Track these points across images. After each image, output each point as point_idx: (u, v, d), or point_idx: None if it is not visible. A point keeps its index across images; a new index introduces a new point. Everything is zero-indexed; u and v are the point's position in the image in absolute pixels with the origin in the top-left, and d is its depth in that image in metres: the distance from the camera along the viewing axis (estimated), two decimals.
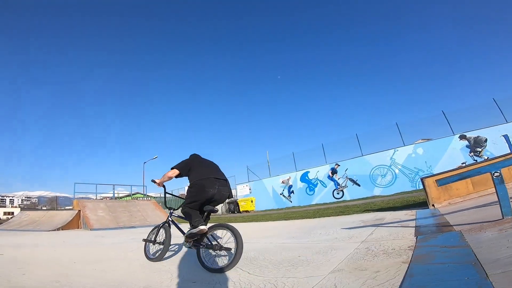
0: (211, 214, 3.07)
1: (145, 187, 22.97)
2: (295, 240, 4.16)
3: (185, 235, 2.93)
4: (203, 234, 2.79)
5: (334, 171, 19.01)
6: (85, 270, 3.05)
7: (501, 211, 2.90)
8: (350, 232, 4.15)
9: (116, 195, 19.90)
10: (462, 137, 15.31)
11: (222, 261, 2.73)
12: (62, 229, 10.97)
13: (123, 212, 14.50)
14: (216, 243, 2.72)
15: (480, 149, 14.77)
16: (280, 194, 21.56)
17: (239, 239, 2.54)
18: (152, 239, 3.53)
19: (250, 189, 23.63)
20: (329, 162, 19.49)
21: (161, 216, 14.45)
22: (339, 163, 18.91)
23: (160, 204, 17.60)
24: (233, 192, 24.47)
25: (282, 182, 21.68)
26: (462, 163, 14.90)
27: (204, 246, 2.78)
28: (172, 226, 3.52)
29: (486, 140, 14.67)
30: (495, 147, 14.11)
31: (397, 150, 16.90)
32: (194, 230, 2.73)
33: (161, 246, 3.34)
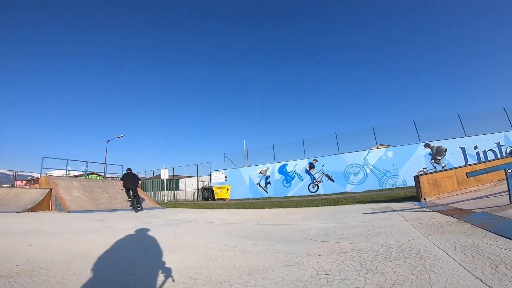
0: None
1: (105, 165, 21.21)
2: (336, 222, 4.70)
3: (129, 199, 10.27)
4: (132, 199, 10.17)
5: (311, 166, 20.19)
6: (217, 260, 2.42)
7: (510, 198, 3.79)
8: (379, 216, 4.86)
9: (67, 174, 18.33)
10: (427, 145, 17.41)
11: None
12: (32, 210, 9.61)
13: (101, 193, 13.45)
14: (134, 202, 10.11)
15: (440, 158, 16.99)
16: (257, 184, 22.21)
17: (136, 198, 10.16)
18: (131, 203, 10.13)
19: (226, 177, 23.84)
20: (308, 157, 20.63)
21: (143, 199, 14.05)
22: (317, 159, 20.13)
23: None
24: (207, 178, 24.50)
25: (260, 172, 22.33)
26: (423, 169, 17.01)
27: (133, 203, 10.08)
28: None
29: (446, 150, 16.91)
30: (452, 157, 16.39)
31: (371, 152, 18.58)
32: (129, 198, 10.21)
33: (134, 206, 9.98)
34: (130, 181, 10.26)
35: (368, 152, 18.62)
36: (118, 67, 68.57)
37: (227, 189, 21.80)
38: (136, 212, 9.39)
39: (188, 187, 24.81)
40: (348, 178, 18.92)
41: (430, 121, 18.46)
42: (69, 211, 9.47)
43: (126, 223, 5.75)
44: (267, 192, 21.60)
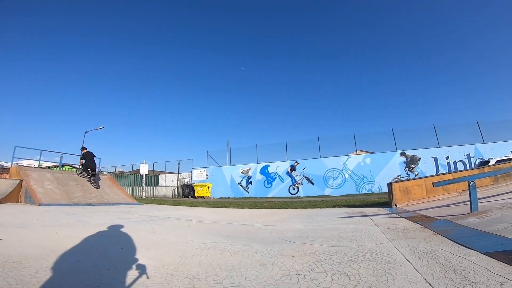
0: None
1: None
2: (312, 225, 4.89)
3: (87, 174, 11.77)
4: (91, 176, 11.61)
5: (293, 168, 20.55)
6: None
7: (471, 207, 4.14)
8: (352, 220, 5.11)
9: (40, 165, 17.58)
10: (402, 154, 18.24)
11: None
12: (1, 202, 9.01)
13: (75, 186, 12.80)
14: (91, 178, 11.59)
15: (414, 166, 17.86)
16: (238, 184, 22.28)
17: (94, 177, 11.75)
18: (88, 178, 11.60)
19: (207, 175, 23.71)
20: (290, 159, 20.97)
21: (120, 194, 13.55)
22: (298, 161, 20.51)
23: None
24: (189, 176, 24.26)
25: (242, 172, 22.42)
26: (397, 176, 17.82)
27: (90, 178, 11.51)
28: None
29: (419, 159, 17.80)
30: (425, 166, 17.28)
31: (350, 157, 19.20)
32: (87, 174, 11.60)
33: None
34: (91, 161, 11.72)
35: (348, 158, 19.23)
36: (102, 57, 66.20)
37: (208, 187, 21.70)
38: (94, 186, 11.47)
39: (168, 183, 24.43)
40: (327, 182, 19.44)
41: (407, 131, 19.36)
42: (40, 204, 8.86)
43: (101, 218, 5.63)
44: (248, 192, 21.73)
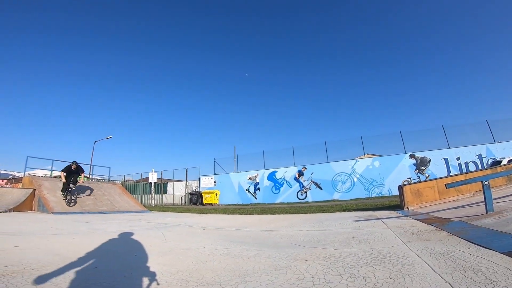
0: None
1: (91, 167, 20.88)
2: (322, 229, 4.84)
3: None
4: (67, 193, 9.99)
5: (300, 173, 20.44)
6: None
7: (486, 208, 4.05)
8: (363, 223, 5.04)
9: (52, 174, 17.96)
10: (412, 156, 17.97)
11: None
12: (14, 211, 9.32)
13: (86, 194, 13.29)
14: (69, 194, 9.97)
15: (424, 168, 17.56)
16: (246, 190, 22.25)
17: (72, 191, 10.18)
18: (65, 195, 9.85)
19: (215, 182, 23.77)
20: (297, 164, 20.89)
21: (129, 202, 13.78)
22: (306, 167, 20.41)
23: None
24: (196, 183, 24.34)
25: (249, 178, 22.40)
26: (408, 178, 17.53)
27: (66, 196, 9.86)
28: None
29: (429, 161, 17.51)
30: (436, 168, 16.98)
31: (358, 161, 19.01)
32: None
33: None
34: (71, 176, 10.30)
35: (356, 161, 19.04)
36: (108, 68, 67.75)
37: (216, 194, 21.72)
38: (68, 205, 9.78)
39: (177, 191, 24.56)
40: (336, 186, 19.25)
41: (416, 133, 19.16)
42: (53, 212, 9.15)
43: (113, 226, 5.71)
44: (256, 198, 21.66)
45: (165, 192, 25.03)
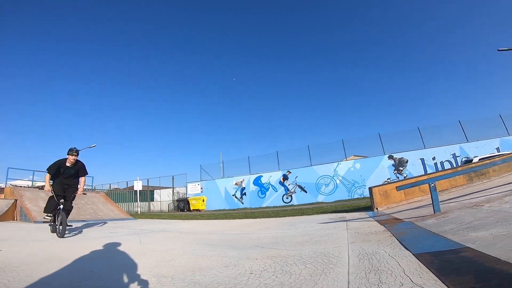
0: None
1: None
2: (291, 231, 5.19)
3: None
4: (55, 214, 5.38)
5: (285, 177, 20.88)
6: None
7: (433, 208, 4.50)
8: (329, 225, 5.43)
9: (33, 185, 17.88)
10: (390, 157, 18.74)
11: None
12: None
13: None
14: (58, 218, 5.15)
15: (402, 168, 18.33)
16: (233, 195, 22.49)
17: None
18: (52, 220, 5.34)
19: (201, 188, 23.91)
20: (282, 168, 21.36)
21: (113, 210, 13.82)
22: (290, 171, 20.88)
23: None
24: (183, 190, 24.42)
25: (236, 184, 22.67)
26: (387, 179, 18.24)
27: (55, 220, 5.28)
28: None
29: (407, 161, 18.30)
30: (413, 168, 17.76)
31: (340, 164, 19.63)
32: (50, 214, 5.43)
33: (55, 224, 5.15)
34: (66, 182, 5.38)
35: (338, 164, 19.66)
36: (94, 73, 66.78)
37: (203, 200, 21.87)
38: (59, 236, 4.81)
39: (164, 198, 24.54)
40: (319, 189, 19.79)
41: (394, 134, 19.95)
42: (35, 221, 9.27)
43: (93, 232, 5.93)
44: (242, 203, 21.93)
45: (152, 199, 24.96)
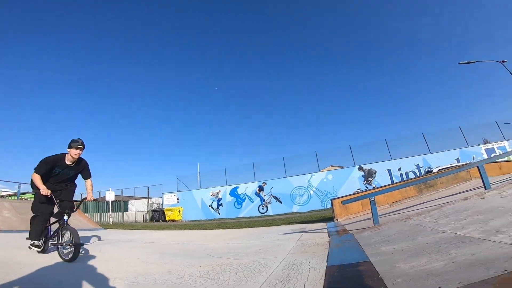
0: None
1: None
2: (250, 242, 5.55)
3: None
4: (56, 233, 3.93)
5: (261, 188, 21.29)
6: None
7: (373, 221, 5.06)
8: (287, 236, 5.86)
9: None
10: (360, 168, 19.72)
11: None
12: None
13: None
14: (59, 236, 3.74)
15: (371, 179, 19.32)
16: (209, 206, 22.53)
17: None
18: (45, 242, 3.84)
19: (178, 199, 23.76)
20: (258, 180, 21.77)
21: (82, 220, 13.48)
22: (266, 182, 21.33)
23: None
24: (159, 200, 24.14)
25: (212, 194, 22.77)
26: (357, 189, 19.12)
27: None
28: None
29: (375, 172, 19.33)
30: (381, 178, 18.79)
31: (314, 175, 20.36)
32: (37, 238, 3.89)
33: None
34: (59, 188, 4.01)
35: (312, 175, 20.38)
36: (68, 80, 64.67)
37: (179, 211, 21.73)
38: (67, 260, 3.45)
39: (139, 208, 24.11)
40: (294, 199, 20.34)
41: (363, 146, 21.06)
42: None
43: None
44: (219, 214, 22.01)
45: (126, 210, 24.41)
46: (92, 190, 4.15)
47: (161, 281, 2.44)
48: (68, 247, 3.48)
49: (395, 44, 60.94)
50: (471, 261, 1.84)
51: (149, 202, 23.50)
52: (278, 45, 70.30)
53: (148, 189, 23.48)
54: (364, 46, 63.73)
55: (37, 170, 3.65)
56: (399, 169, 19.08)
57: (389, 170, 19.17)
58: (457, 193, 6.20)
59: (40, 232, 3.75)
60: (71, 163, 3.83)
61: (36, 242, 3.77)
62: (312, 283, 2.20)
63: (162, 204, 23.49)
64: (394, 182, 18.31)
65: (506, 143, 18.74)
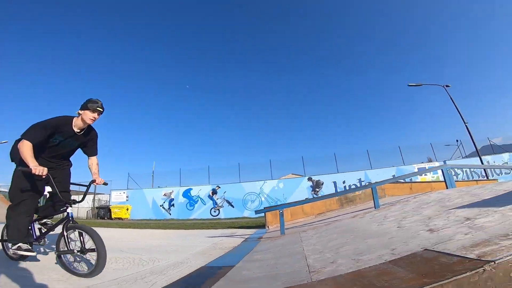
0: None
1: None
2: (172, 242, 5.96)
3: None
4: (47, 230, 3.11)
5: (214, 192, 21.58)
6: None
7: (280, 231, 5.72)
8: (210, 239, 6.32)
9: None
10: (309, 179, 20.97)
11: None
12: None
13: None
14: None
15: (318, 190, 20.64)
16: (160, 206, 22.21)
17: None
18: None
19: (127, 197, 23.04)
20: (212, 183, 22.06)
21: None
22: (220, 186, 21.68)
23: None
24: (107, 197, 23.19)
25: (164, 194, 22.49)
26: (305, 198, 20.31)
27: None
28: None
29: (323, 183, 20.69)
30: (327, 189, 20.17)
31: (266, 182, 21.19)
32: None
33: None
34: (53, 165, 2.84)
35: (264, 182, 21.19)
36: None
37: (127, 209, 21.11)
38: (90, 276, 2.49)
39: (83, 204, 22.82)
40: (246, 204, 20.94)
41: (314, 159, 22.52)
42: None
43: None
44: (170, 214, 21.79)
45: None
46: (98, 169, 3.12)
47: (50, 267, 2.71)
48: (81, 255, 2.60)
49: (345, 64, 65.33)
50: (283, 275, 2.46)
51: (95, 198, 22.43)
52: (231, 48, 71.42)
53: (95, 185, 22.36)
54: (322, 59, 67.38)
55: (29, 136, 2.45)
56: (344, 182, 20.67)
57: (334, 182, 20.67)
58: (357, 211, 7.13)
59: (26, 229, 2.65)
60: (79, 130, 2.78)
61: (23, 245, 2.55)
62: (170, 276, 2.68)
63: (109, 201, 22.59)
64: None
65: (437, 163, 21.28)
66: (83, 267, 2.62)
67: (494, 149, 21.34)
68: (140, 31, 71.08)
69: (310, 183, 20.88)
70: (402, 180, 11.95)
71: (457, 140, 21.96)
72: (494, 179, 12.54)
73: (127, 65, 69.36)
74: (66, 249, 2.54)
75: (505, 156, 19.93)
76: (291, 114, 63.11)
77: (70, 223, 2.59)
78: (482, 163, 15.76)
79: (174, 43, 71.99)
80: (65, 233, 2.55)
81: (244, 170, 22.28)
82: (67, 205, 2.72)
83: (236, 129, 62.82)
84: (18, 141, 2.53)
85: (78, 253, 2.54)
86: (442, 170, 6.04)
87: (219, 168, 23.74)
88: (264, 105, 64.17)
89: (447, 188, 5.67)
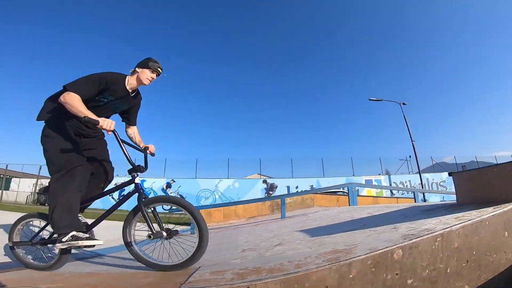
0: None
1: None
2: None
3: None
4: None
5: (168, 185, 21.24)
6: None
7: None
8: None
9: None
10: (264, 181, 21.40)
11: None
12: None
13: None
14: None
15: (272, 192, 21.14)
16: (110, 196, 21.40)
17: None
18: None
19: None
20: (167, 176, 21.66)
21: None
22: (174, 180, 21.39)
23: None
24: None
25: (115, 184, 21.69)
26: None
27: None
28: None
29: (276, 187, 21.23)
30: (280, 192, 20.71)
31: (222, 180, 21.28)
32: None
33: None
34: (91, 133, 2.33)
35: (220, 181, 21.27)
36: None
37: None
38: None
39: (24, 188, 21.32)
40: (199, 200, 20.85)
41: (271, 161, 22.99)
42: None
43: None
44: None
45: (8, 188, 21.36)
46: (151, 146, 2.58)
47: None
48: (165, 234, 1.94)
49: (309, 70, 66.03)
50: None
51: (38, 182, 20.99)
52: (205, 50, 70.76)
53: (40, 168, 20.95)
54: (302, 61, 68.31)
55: (76, 89, 1.95)
56: (297, 187, 21.36)
57: (288, 187, 21.28)
58: (271, 219, 7.43)
59: (78, 211, 2.05)
60: (132, 91, 2.31)
61: (80, 234, 1.92)
62: None
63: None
64: None
65: (382, 177, 22.73)
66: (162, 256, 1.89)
67: (445, 167, 23.26)
68: (137, 31, 67.30)
69: (265, 185, 21.32)
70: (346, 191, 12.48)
71: (408, 156, 23.47)
72: (410, 198, 13.17)
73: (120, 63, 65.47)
74: (151, 232, 1.90)
75: (444, 175, 21.81)
76: (250, 116, 62.65)
77: (143, 196, 2.03)
78: (421, 180, 17.20)
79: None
80: (145, 211, 1.98)
81: (201, 166, 22.16)
82: (135, 173, 2.11)
83: (197, 124, 61.35)
84: (59, 93, 1.97)
85: (162, 232, 1.92)
86: (348, 187, 6.49)
87: (176, 161, 23.39)
88: (229, 104, 63.41)
89: (349, 205, 6.12)
